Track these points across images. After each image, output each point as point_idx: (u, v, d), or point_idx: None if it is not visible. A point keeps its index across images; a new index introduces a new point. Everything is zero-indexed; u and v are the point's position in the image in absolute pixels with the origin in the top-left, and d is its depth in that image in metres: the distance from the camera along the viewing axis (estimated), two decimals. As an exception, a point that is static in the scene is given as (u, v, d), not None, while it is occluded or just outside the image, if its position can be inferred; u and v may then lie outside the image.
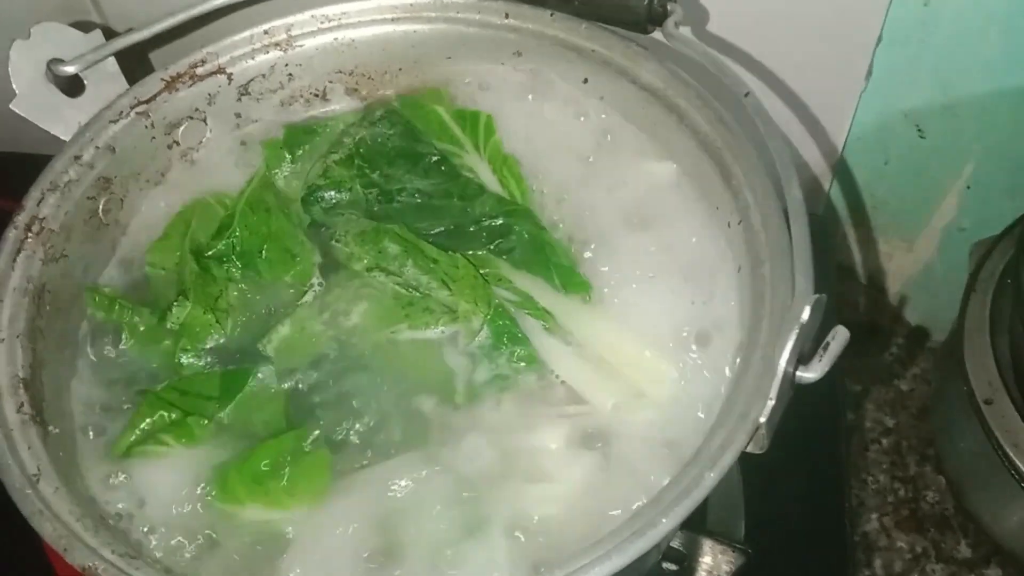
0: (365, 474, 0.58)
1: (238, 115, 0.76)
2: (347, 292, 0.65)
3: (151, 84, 0.72)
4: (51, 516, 0.52)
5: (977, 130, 0.92)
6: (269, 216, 0.69)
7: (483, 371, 0.62)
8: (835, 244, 1.06)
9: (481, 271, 0.65)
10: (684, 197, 0.66)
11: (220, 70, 0.74)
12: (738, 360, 0.57)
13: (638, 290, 0.64)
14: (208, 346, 0.65)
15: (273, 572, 0.55)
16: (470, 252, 0.67)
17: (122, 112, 0.71)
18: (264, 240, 0.68)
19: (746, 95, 0.59)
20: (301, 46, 0.74)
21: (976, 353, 0.88)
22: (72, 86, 0.71)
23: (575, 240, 0.68)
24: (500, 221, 0.68)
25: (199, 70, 0.73)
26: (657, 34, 0.68)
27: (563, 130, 0.72)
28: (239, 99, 0.75)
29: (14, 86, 0.69)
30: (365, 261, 0.65)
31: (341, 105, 0.78)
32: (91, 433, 0.61)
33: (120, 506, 0.58)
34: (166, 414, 0.61)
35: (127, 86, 0.72)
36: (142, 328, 0.65)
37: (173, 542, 0.57)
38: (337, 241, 0.67)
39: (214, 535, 0.57)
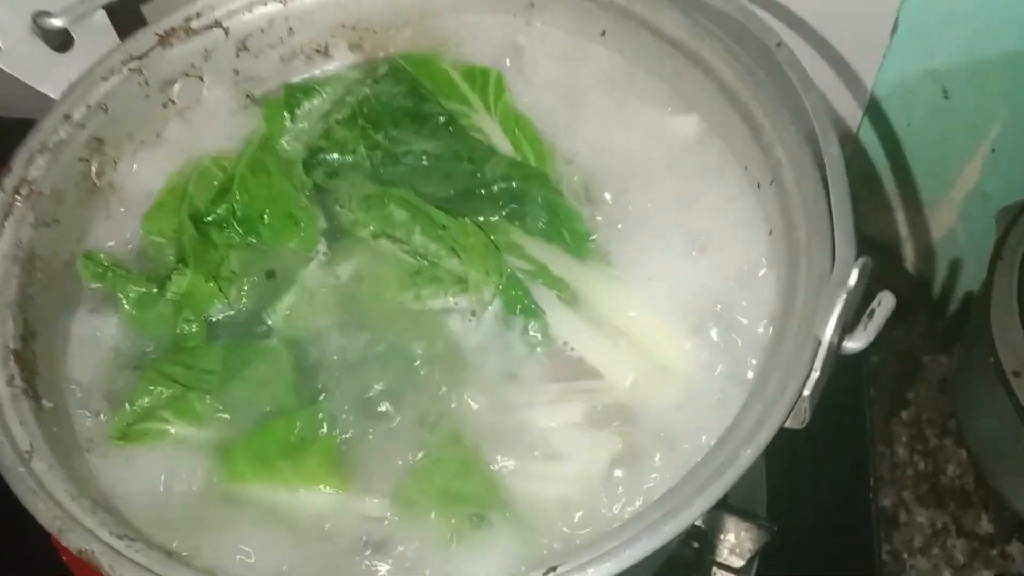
0: (373, 452, 0.55)
1: (236, 72, 0.72)
2: (353, 260, 0.62)
3: (144, 39, 0.68)
4: (45, 496, 0.49)
5: (1004, 91, 0.89)
6: (270, 179, 0.65)
7: (494, 344, 0.59)
8: (855, 209, 1.02)
9: (492, 238, 0.62)
10: (710, 156, 0.62)
11: (216, 24, 0.70)
12: (771, 330, 0.53)
13: (660, 257, 0.60)
14: (211, 316, 0.62)
15: (277, 556, 0.52)
16: (480, 218, 0.63)
17: (114, 69, 0.67)
18: (266, 205, 0.65)
19: (778, 45, 0.55)
20: (301, -2, 0.71)
21: (1003, 323, 0.85)
22: (60, 41, 0.68)
23: (592, 204, 0.64)
24: (512, 185, 0.64)
25: (194, 24, 0.69)
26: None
27: (579, 87, 0.69)
28: (237, 55, 0.72)
29: (-2, 40, 0.65)
30: (371, 228, 0.62)
31: (344, 61, 0.74)
32: (87, 408, 0.58)
33: (117, 485, 0.55)
34: (166, 389, 0.58)
35: (118, 41, 0.69)
36: (139, 298, 0.61)
37: (174, 522, 0.53)
38: (341, 206, 0.64)
39: (217, 516, 0.54)
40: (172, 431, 0.57)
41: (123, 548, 0.47)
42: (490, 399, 0.56)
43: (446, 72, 0.71)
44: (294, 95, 0.71)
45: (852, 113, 0.92)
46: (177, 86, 0.70)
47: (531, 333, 0.59)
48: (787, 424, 0.45)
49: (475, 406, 0.56)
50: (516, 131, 0.68)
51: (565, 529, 0.52)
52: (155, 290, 0.61)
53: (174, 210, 0.65)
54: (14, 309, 0.58)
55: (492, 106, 0.69)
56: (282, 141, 0.69)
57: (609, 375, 0.57)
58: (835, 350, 0.44)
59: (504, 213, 0.63)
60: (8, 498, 0.50)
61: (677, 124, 0.64)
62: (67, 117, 0.64)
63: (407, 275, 0.60)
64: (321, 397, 0.57)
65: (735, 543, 0.70)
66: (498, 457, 0.55)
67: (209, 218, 0.64)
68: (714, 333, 0.57)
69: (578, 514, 0.52)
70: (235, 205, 0.64)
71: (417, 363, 0.58)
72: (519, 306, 0.59)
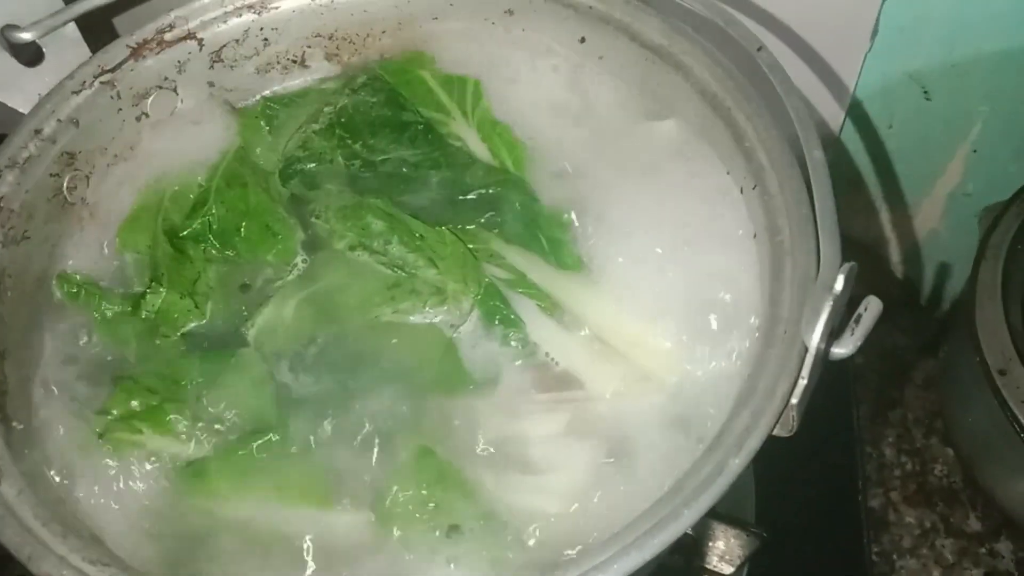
0: (350, 465, 0.54)
1: (211, 83, 0.71)
2: (331, 272, 0.61)
3: (116, 51, 0.67)
4: (14, 521, 0.47)
5: (985, 91, 0.89)
6: (247, 191, 0.64)
7: (474, 355, 0.58)
8: (837, 210, 1.02)
9: (470, 246, 0.61)
10: (692, 161, 0.62)
11: (190, 35, 0.69)
12: (757, 335, 0.53)
13: (642, 263, 0.60)
14: (187, 330, 0.61)
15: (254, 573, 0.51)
16: (459, 226, 0.62)
17: (85, 82, 0.66)
18: (242, 217, 0.64)
19: (759, 50, 0.54)
20: (276, 8, 0.70)
21: (988, 322, 0.85)
22: (30, 54, 0.67)
23: (573, 211, 0.63)
24: (490, 191, 0.64)
25: (167, 36, 0.68)
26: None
27: (558, 94, 0.68)
28: (211, 66, 0.71)
29: (-36, 55, 0.64)
30: (347, 239, 0.61)
31: (321, 71, 0.73)
32: (60, 427, 0.57)
33: (91, 502, 0.54)
34: (142, 401, 0.57)
35: (90, 54, 0.68)
36: (113, 316, 0.60)
37: (149, 540, 0.52)
38: (317, 217, 0.63)
39: (193, 531, 0.53)
40: (147, 443, 0.56)
41: (96, 574, 0.45)
42: (469, 410, 0.56)
43: (424, 80, 0.70)
44: (271, 106, 0.70)
45: (834, 115, 0.92)
46: (151, 99, 0.69)
47: (511, 343, 0.58)
48: (775, 432, 0.45)
49: (454, 418, 0.55)
50: (494, 138, 0.67)
51: (548, 542, 0.51)
52: (129, 309, 0.60)
53: (148, 225, 0.64)
54: (-18, 329, 0.57)
55: (470, 114, 0.68)
56: (258, 152, 0.68)
57: (590, 384, 0.56)
58: (823, 356, 0.43)
59: (482, 220, 0.63)
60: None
61: (658, 129, 0.64)
62: (37, 132, 0.63)
63: (385, 288, 0.59)
64: (298, 410, 0.56)
65: (724, 550, 0.69)
66: (477, 469, 0.54)
67: (185, 232, 0.63)
68: (697, 339, 0.56)
69: (561, 526, 0.51)
70: (211, 219, 0.63)
71: (394, 376, 0.57)
72: (498, 316, 0.58)
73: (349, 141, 0.67)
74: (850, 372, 0.91)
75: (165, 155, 0.69)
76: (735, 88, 0.58)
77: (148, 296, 0.60)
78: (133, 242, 0.64)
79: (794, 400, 0.43)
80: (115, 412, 0.56)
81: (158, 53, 0.68)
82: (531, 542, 0.51)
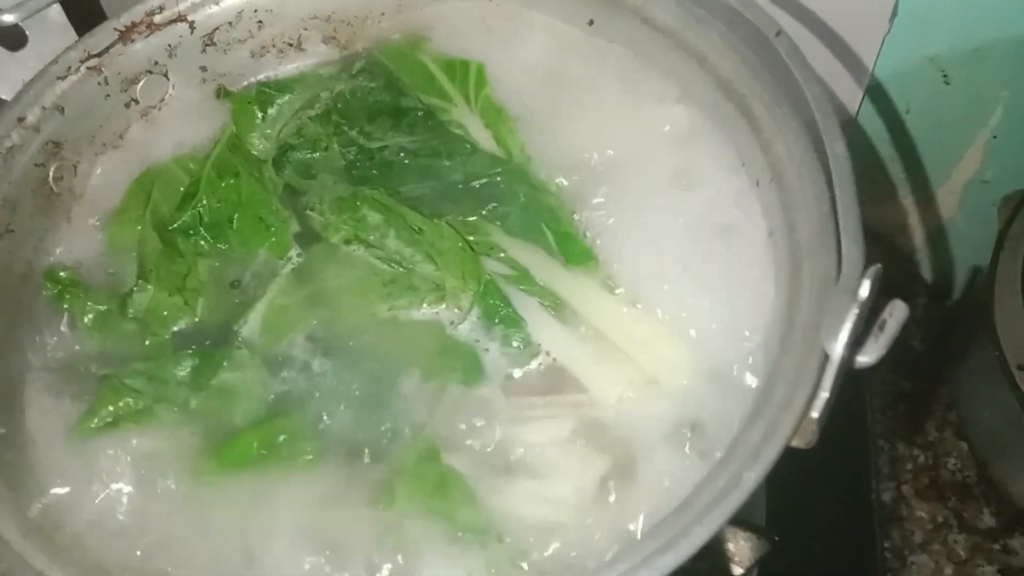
0: (346, 468, 0.52)
1: (203, 68, 0.69)
2: (327, 267, 0.58)
3: (103, 35, 0.65)
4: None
5: (1006, 76, 0.86)
6: (239, 181, 0.62)
7: (473, 355, 0.55)
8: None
9: (471, 239, 0.59)
10: (705, 152, 0.59)
11: (180, 18, 0.66)
12: (772, 340, 0.50)
13: (650, 260, 0.57)
14: (178, 328, 0.59)
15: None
16: (460, 218, 0.60)
17: (71, 67, 0.63)
18: (235, 209, 0.62)
19: (777, 35, 0.52)
20: (271, -11, 0.67)
21: (1007, 315, 0.83)
22: (12, 38, 0.64)
23: (578, 202, 0.60)
24: (493, 182, 0.61)
25: (157, 18, 0.66)
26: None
27: (565, 79, 0.65)
28: (203, 50, 0.68)
29: (-57, 39, 0.62)
30: (343, 232, 0.59)
31: (318, 55, 0.71)
32: (45, 430, 0.55)
33: (75, 509, 0.52)
34: (131, 401, 0.54)
35: (76, 37, 0.65)
36: (100, 316, 0.58)
37: (137, 546, 0.50)
38: (311, 209, 0.60)
39: (183, 535, 0.51)
40: (136, 446, 0.53)
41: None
42: (469, 414, 0.53)
43: (424, 65, 0.67)
44: (265, 91, 0.68)
45: (851, 99, 0.89)
46: (140, 84, 0.67)
47: (512, 343, 0.55)
48: (793, 443, 0.42)
49: (454, 421, 0.53)
50: (498, 125, 0.64)
51: (550, 556, 0.48)
52: (117, 307, 0.58)
53: (137, 217, 0.62)
54: (-35, 330, 0.55)
55: (472, 100, 0.66)
56: (252, 139, 0.65)
57: (595, 388, 0.53)
58: (846, 366, 0.41)
59: (484, 212, 0.60)
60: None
61: (670, 118, 0.61)
62: (20, 120, 0.61)
63: (381, 284, 0.57)
64: (292, 410, 0.54)
65: (734, 551, 0.67)
66: (479, 475, 0.51)
67: (174, 225, 0.61)
68: (708, 342, 0.53)
69: (565, 538, 0.49)
70: (202, 210, 0.61)
71: (392, 376, 0.55)
72: (498, 315, 0.56)
73: (346, 128, 0.64)
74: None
75: (155, 143, 0.67)
76: (751, 75, 0.55)
77: (136, 294, 0.58)
78: (122, 236, 0.62)
79: (815, 414, 0.41)
80: (103, 412, 0.54)
81: (147, 36, 0.66)
82: (532, 555, 0.48)
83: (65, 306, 0.59)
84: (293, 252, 0.61)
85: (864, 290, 0.40)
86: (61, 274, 0.60)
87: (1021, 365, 0.81)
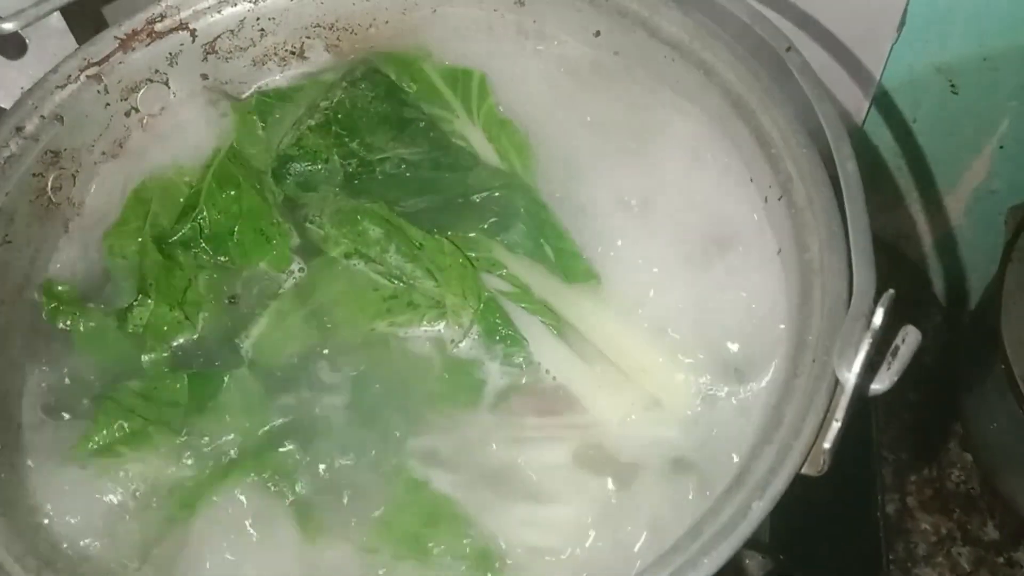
0: (341, 498, 0.51)
1: (204, 76, 0.68)
2: (328, 282, 0.57)
3: (103, 43, 0.64)
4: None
5: (1014, 86, 0.85)
6: (240, 193, 0.61)
7: (473, 375, 0.54)
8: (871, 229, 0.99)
9: (472, 255, 0.58)
10: (712, 167, 0.58)
11: (182, 26, 0.66)
12: (781, 362, 0.49)
13: (655, 278, 0.56)
14: (177, 343, 0.58)
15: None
16: (461, 233, 0.59)
17: (70, 75, 0.63)
18: (235, 221, 0.61)
19: (788, 50, 0.51)
20: (273, -4, 0.66)
21: (1014, 327, 0.82)
22: (12, 46, 0.64)
23: (580, 218, 0.60)
24: (494, 196, 0.60)
25: (158, 26, 0.65)
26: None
27: (570, 91, 0.64)
28: (205, 58, 0.67)
29: (-58, 46, 0.61)
30: (343, 246, 0.58)
31: (321, 64, 0.70)
32: (40, 450, 0.54)
33: (70, 532, 0.51)
34: (126, 423, 0.54)
35: (76, 45, 0.65)
36: (96, 331, 0.57)
37: (131, 571, 0.49)
38: (311, 222, 0.59)
39: (180, 565, 0.50)
40: (132, 468, 0.53)
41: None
42: (469, 434, 0.52)
43: (426, 74, 0.66)
44: (265, 100, 0.67)
45: (857, 106, 0.89)
46: (141, 93, 0.66)
47: (514, 362, 0.55)
48: (804, 471, 0.41)
49: (452, 443, 0.52)
50: (501, 138, 0.64)
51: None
52: (115, 323, 0.57)
53: (137, 229, 0.61)
54: (-41, 343, 0.54)
55: (475, 111, 0.65)
56: (252, 149, 0.65)
57: (597, 411, 0.52)
58: (858, 394, 0.40)
59: (485, 227, 0.59)
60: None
61: (677, 131, 0.60)
62: (19, 129, 0.60)
63: (381, 299, 0.56)
64: (289, 433, 0.53)
65: (738, 571, 0.66)
66: (474, 500, 0.50)
67: (175, 238, 0.60)
68: (714, 363, 0.52)
69: (564, 565, 0.48)
70: (202, 223, 0.60)
71: (390, 397, 0.54)
72: (499, 334, 0.55)
73: (346, 139, 0.63)
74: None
75: (155, 152, 0.66)
76: (761, 90, 0.54)
77: (136, 309, 0.57)
78: (121, 248, 0.61)
79: (827, 445, 0.40)
80: (97, 436, 0.53)
81: (148, 45, 0.65)
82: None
83: (62, 322, 0.58)
84: (294, 265, 0.60)
85: (878, 318, 0.39)
86: (59, 288, 0.60)
87: (1028, 379, 0.81)
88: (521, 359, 0.55)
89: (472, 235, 0.59)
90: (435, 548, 0.50)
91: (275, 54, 0.69)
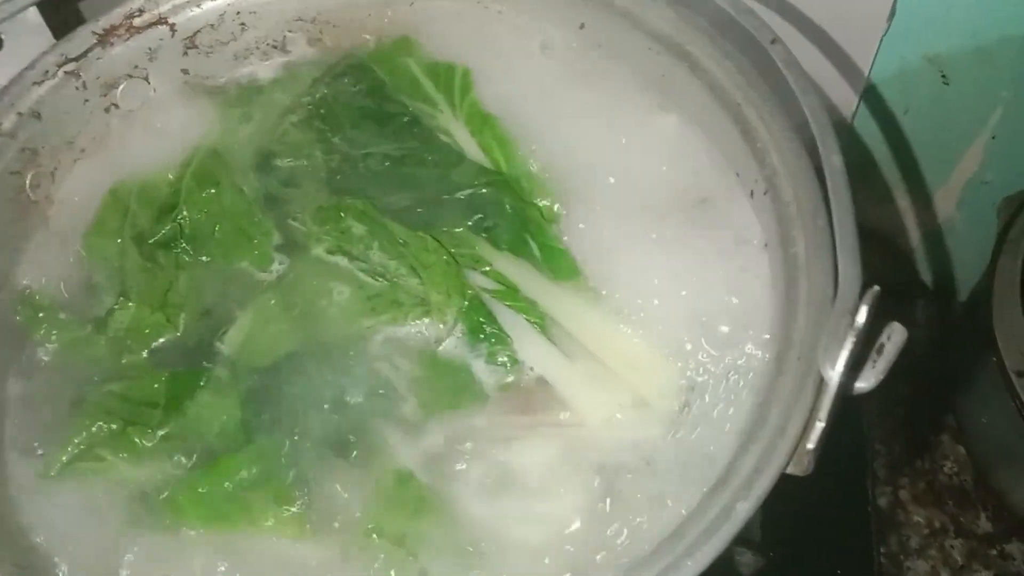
0: (324, 492, 0.51)
1: (185, 71, 0.67)
2: (310, 280, 0.57)
3: (81, 38, 0.63)
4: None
5: (1006, 76, 0.85)
6: (220, 191, 0.60)
7: (458, 373, 0.54)
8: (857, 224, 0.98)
9: (456, 252, 0.57)
10: (698, 161, 0.57)
11: (161, 20, 0.65)
12: (768, 357, 0.49)
13: (641, 274, 0.55)
14: (158, 345, 0.57)
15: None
16: (445, 230, 0.58)
17: (48, 72, 0.62)
18: (216, 220, 0.60)
19: (773, 42, 0.50)
20: (254, -10, 0.65)
21: (1007, 320, 0.82)
22: (-12, 42, 0.63)
23: (566, 214, 0.59)
24: (479, 193, 0.59)
25: (136, 21, 0.64)
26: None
27: (554, 84, 0.63)
28: (185, 53, 0.66)
29: (-84, 43, 0.60)
30: (326, 243, 0.57)
31: (303, 57, 0.69)
32: (18, 449, 0.53)
33: (51, 534, 0.50)
34: (105, 425, 0.53)
35: (53, 41, 0.64)
36: (76, 339, 0.57)
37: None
38: (294, 219, 0.59)
39: (162, 564, 0.49)
40: (112, 470, 0.52)
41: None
42: (452, 434, 0.52)
43: (409, 68, 0.66)
44: (247, 95, 0.66)
45: (847, 99, 0.88)
46: (120, 89, 0.65)
47: (498, 361, 0.54)
48: (789, 471, 0.41)
49: (437, 442, 0.52)
50: (485, 132, 0.63)
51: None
52: (93, 331, 0.56)
53: (116, 229, 0.60)
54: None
55: (458, 105, 0.64)
56: (233, 146, 0.63)
57: (582, 409, 0.52)
58: (842, 392, 0.39)
59: (470, 223, 0.58)
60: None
61: (662, 125, 0.59)
62: (-5, 127, 0.59)
63: (365, 298, 0.55)
64: (271, 431, 0.52)
65: (727, 568, 0.66)
66: (458, 496, 0.50)
67: (154, 238, 0.59)
68: (699, 359, 0.52)
69: (549, 563, 0.47)
70: (183, 222, 0.59)
71: (374, 395, 0.53)
72: (484, 332, 0.54)
73: (329, 134, 0.62)
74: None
75: (135, 148, 0.65)
76: (746, 84, 0.53)
77: (117, 313, 0.56)
78: (100, 248, 0.60)
79: (810, 446, 0.39)
80: (76, 439, 0.52)
81: (127, 40, 0.64)
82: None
83: (37, 334, 0.57)
84: (276, 264, 0.59)
85: (862, 316, 0.38)
86: (36, 298, 0.59)
87: (1020, 371, 0.80)
88: (505, 357, 0.54)
89: (457, 231, 0.58)
90: (420, 544, 0.49)
91: (256, 48, 0.68)
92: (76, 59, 0.62)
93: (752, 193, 0.54)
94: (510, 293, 0.56)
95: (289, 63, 0.69)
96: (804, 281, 0.47)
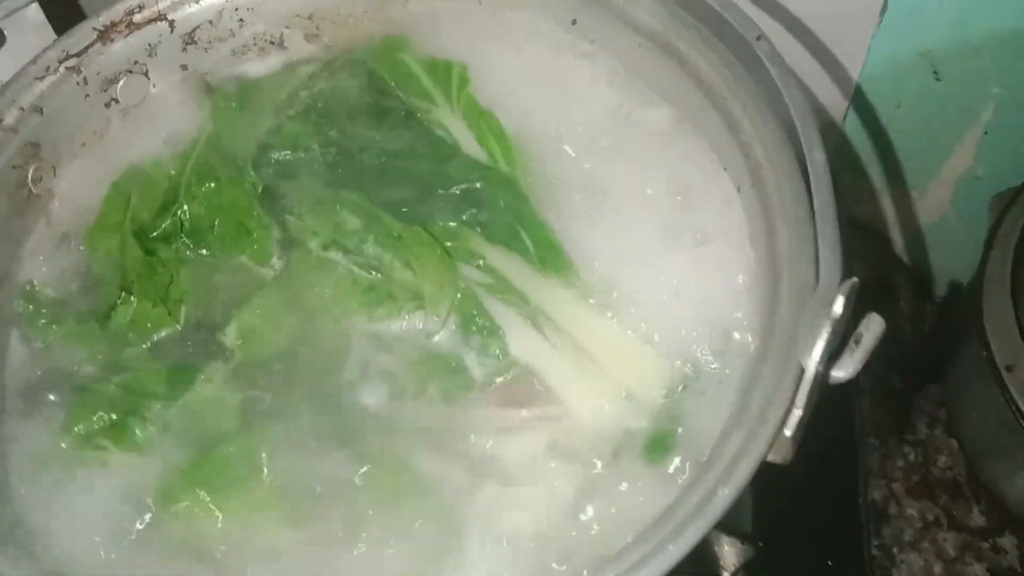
0: (319, 482, 0.52)
1: (184, 67, 0.68)
2: (307, 275, 0.58)
3: (82, 35, 0.64)
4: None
5: (998, 71, 0.85)
6: (219, 186, 0.61)
7: (449, 365, 0.55)
8: (842, 194, 0.99)
9: (450, 245, 0.58)
10: (687, 157, 0.58)
11: (160, 17, 0.66)
12: (752, 348, 0.50)
13: (631, 269, 0.56)
14: (159, 338, 0.58)
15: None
16: (439, 223, 0.59)
17: (49, 67, 0.63)
18: (215, 214, 0.61)
19: (758, 39, 0.51)
20: (252, -14, 0.66)
21: (996, 314, 0.82)
22: (-10, 39, 0.63)
23: (558, 208, 0.60)
24: (474, 187, 0.60)
25: (136, 17, 0.65)
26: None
27: (548, 80, 0.64)
28: (184, 49, 0.67)
29: (-81, 38, 0.61)
30: (321, 236, 0.58)
31: (301, 53, 0.70)
32: (20, 442, 0.54)
33: (50, 523, 0.51)
34: (105, 415, 0.54)
35: (54, 37, 0.65)
36: (76, 334, 0.58)
37: (113, 562, 0.50)
38: (291, 213, 0.60)
39: (159, 552, 0.50)
40: (111, 460, 0.53)
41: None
42: (444, 425, 0.53)
43: (406, 64, 0.66)
44: (245, 90, 0.67)
45: (839, 94, 0.88)
46: (120, 84, 0.66)
47: (489, 353, 0.55)
48: (769, 459, 0.42)
49: (428, 432, 0.53)
50: (481, 126, 0.64)
51: (521, 566, 0.48)
52: (95, 324, 0.57)
53: (117, 223, 0.61)
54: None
55: (455, 100, 0.65)
56: (232, 141, 0.64)
57: (571, 401, 0.53)
58: (820, 381, 0.40)
59: (464, 217, 0.59)
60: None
61: (653, 122, 0.60)
62: (-2, 121, 0.60)
63: (360, 292, 0.56)
64: (268, 422, 0.53)
65: (718, 556, 0.66)
66: (452, 487, 0.51)
67: (155, 233, 0.60)
68: (687, 353, 0.53)
69: (536, 549, 0.49)
70: (183, 217, 0.60)
71: (368, 387, 0.54)
72: (475, 325, 0.55)
73: (325, 127, 0.63)
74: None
75: (135, 143, 0.66)
76: (733, 79, 0.54)
77: (119, 307, 0.57)
78: (103, 244, 0.61)
79: (788, 432, 0.40)
80: (77, 428, 0.53)
81: (127, 36, 0.65)
82: (503, 568, 0.48)
83: (39, 330, 0.58)
84: (275, 258, 0.60)
85: (838, 306, 0.39)
86: (38, 292, 0.60)
87: (1009, 366, 0.81)
88: (497, 350, 0.55)
89: (452, 224, 0.59)
90: (413, 532, 0.50)
91: (255, 44, 0.69)
92: (77, 55, 0.63)
93: (739, 188, 0.55)
94: (502, 286, 0.57)
95: (287, 59, 0.70)
96: (787, 274, 0.48)
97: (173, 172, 0.63)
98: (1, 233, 0.60)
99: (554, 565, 0.47)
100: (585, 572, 0.44)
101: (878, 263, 1.06)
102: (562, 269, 0.56)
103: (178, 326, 0.59)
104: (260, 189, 0.62)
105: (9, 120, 0.61)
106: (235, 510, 0.51)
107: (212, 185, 0.61)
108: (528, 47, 0.66)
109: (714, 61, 0.56)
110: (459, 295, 0.56)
